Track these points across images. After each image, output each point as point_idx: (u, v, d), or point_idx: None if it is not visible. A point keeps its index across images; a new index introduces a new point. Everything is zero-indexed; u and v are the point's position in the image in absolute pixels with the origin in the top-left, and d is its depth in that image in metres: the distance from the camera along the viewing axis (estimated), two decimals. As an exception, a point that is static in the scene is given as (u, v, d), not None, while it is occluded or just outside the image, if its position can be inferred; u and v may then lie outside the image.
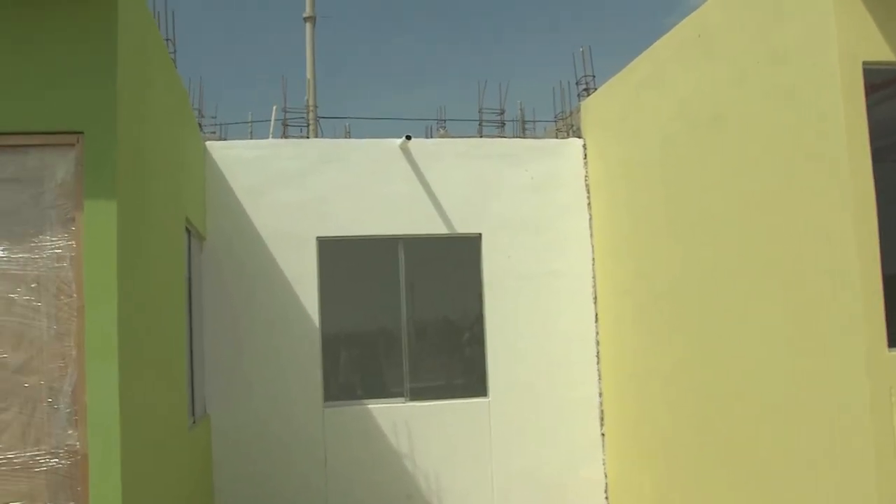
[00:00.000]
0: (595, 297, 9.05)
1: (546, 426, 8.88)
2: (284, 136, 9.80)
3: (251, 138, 9.90)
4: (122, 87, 4.25)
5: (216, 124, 9.80)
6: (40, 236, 4.14)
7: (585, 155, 9.26)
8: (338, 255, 8.86)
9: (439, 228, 8.91)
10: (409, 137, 8.83)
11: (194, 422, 7.20)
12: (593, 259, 9.08)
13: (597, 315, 9.04)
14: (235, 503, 8.34)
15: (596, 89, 9.32)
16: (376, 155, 8.94)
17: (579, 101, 9.65)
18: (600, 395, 8.97)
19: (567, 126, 9.81)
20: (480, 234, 9.01)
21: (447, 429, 8.78)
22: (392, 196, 8.87)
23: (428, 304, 9.14)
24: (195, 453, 7.17)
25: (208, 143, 8.72)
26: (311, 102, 20.60)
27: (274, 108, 11.31)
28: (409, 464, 8.67)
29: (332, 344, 8.87)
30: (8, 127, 4.13)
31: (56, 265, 4.12)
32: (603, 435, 8.92)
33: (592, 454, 8.97)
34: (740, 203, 6.18)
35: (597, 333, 9.03)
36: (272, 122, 11.10)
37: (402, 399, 8.82)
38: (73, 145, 4.14)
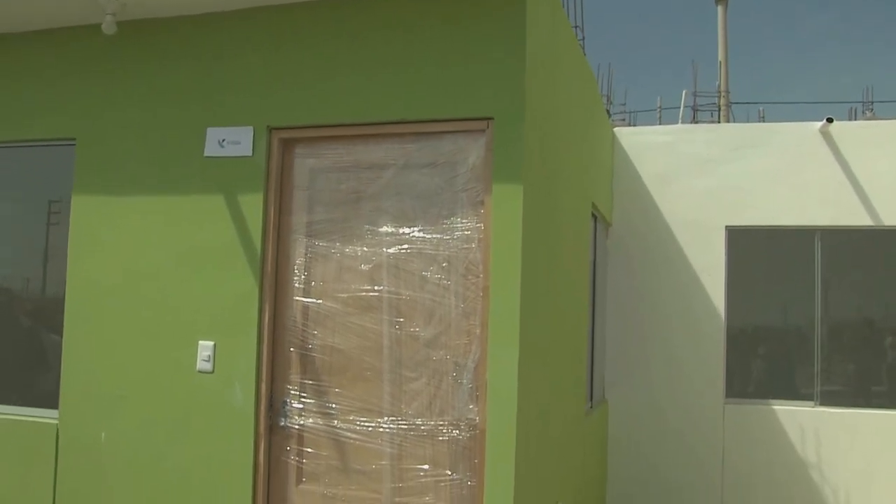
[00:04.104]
0: None
1: None
2: (694, 121, 9.52)
3: (659, 124, 9.74)
4: (531, 74, 4.32)
5: (626, 112, 9.80)
6: (452, 218, 4.35)
7: None
8: (747, 245, 8.41)
9: (863, 220, 8.07)
10: (830, 120, 8.11)
11: (591, 406, 7.25)
12: None
13: None
14: (627, 487, 8.32)
15: None
16: (793, 140, 8.32)
17: None
18: None
19: None
20: (915, 227, 8.03)
21: (862, 441, 7.95)
22: (810, 184, 8.20)
23: (846, 301, 8.35)
24: (591, 437, 7.22)
25: (616, 130, 8.71)
26: (722, 87, 19.88)
27: (684, 93, 11.06)
28: (816, 474, 8.00)
29: (737, 338, 8.45)
30: (426, 115, 4.40)
31: (465, 246, 4.31)
32: None
33: None
34: None
35: None
36: (682, 108, 10.83)
37: (812, 403, 8.17)
38: (483, 131, 4.29)
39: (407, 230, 4.44)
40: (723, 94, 21.34)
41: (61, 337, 5.15)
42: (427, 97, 4.40)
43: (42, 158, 5.48)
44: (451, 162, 4.38)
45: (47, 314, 5.41)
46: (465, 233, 4.31)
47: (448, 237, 4.34)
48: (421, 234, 4.40)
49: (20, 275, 5.61)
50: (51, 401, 5.16)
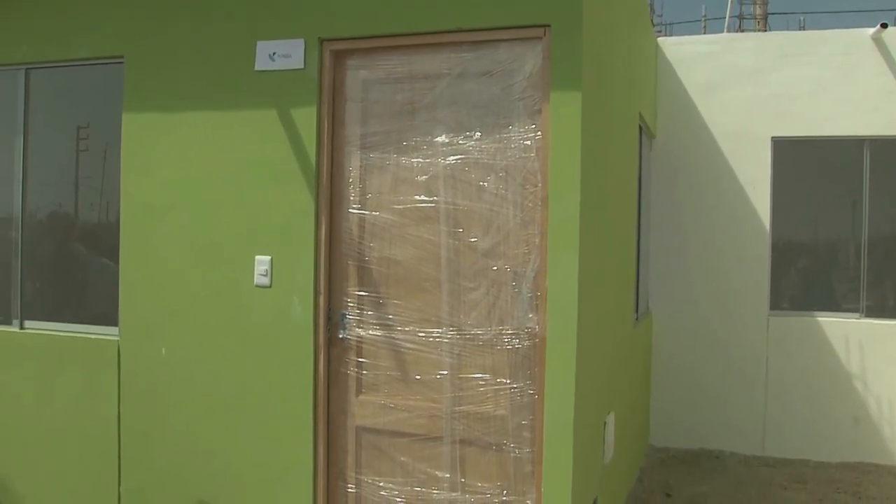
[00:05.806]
0: None
1: None
2: (740, 30, 9.29)
3: (703, 34, 9.53)
4: (589, -23, 4.24)
5: (662, 24, 9.59)
6: (509, 127, 4.30)
7: None
8: (794, 156, 8.28)
9: (914, 129, 7.93)
10: (885, 26, 7.88)
11: (638, 317, 7.27)
12: None
13: None
14: (671, 397, 8.40)
15: None
16: (843, 48, 8.10)
17: None
18: None
19: None
20: (968, 136, 7.85)
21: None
22: (860, 92, 8.00)
23: (894, 213, 8.25)
24: (638, 347, 7.27)
25: (660, 40, 8.54)
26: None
27: (730, 1, 10.75)
28: (860, 384, 8.01)
29: (782, 250, 8.40)
30: (482, 23, 4.31)
31: (523, 155, 4.27)
32: None
33: None
34: None
35: None
36: (727, 17, 10.58)
37: (857, 315, 8.14)
38: (540, 38, 4.21)
39: (463, 140, 4.40)
40: (759, 3, 20.84)
41: (106, 259, 5.25)
42: (482, 4, 4.31)
43: (69, 83, 5.49)
44: (507, 70, 4.31)
45: (91, 238, 5.53)
46: (523, 142, 4.26)
47: (505, 146, 4.31)
48: (477, 144, 4.37)
49: (54, 201, 5.67)
50: (105, 319, 5.27)
